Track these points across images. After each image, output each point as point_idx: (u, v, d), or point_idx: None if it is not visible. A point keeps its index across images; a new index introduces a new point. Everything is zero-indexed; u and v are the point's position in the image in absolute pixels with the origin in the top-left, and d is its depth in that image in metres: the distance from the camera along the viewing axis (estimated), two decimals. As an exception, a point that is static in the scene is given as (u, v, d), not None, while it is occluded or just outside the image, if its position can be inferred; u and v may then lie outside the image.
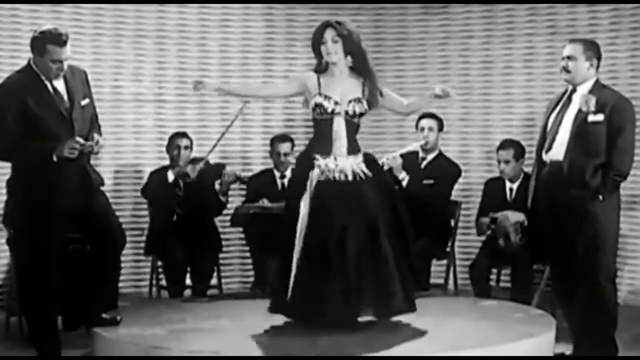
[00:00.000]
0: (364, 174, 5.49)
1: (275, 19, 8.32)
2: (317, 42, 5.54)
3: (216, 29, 8.20)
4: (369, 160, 5.60)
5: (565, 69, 5.51)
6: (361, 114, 5.52)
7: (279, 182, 7.42)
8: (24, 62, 7.50)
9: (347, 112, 5.47)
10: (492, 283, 7.13)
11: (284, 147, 7.42)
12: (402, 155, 7.12)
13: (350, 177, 5.45)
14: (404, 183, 7.06)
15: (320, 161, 5.45)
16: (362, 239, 5.35)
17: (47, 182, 5.40)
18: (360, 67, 5.54)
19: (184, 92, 8.12)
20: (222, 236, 7.51)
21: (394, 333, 5.39)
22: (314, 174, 5.44)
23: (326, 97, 5.46)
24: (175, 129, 7.73)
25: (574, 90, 5.52)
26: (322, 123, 5.49)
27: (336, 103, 5.46)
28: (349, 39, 5.50)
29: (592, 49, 5.50)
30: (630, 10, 7.60)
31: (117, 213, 7.68)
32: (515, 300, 6.46)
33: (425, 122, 7.30)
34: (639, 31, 7.62)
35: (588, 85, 5.48)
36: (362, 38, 7.90)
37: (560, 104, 5.58)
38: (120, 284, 6.76)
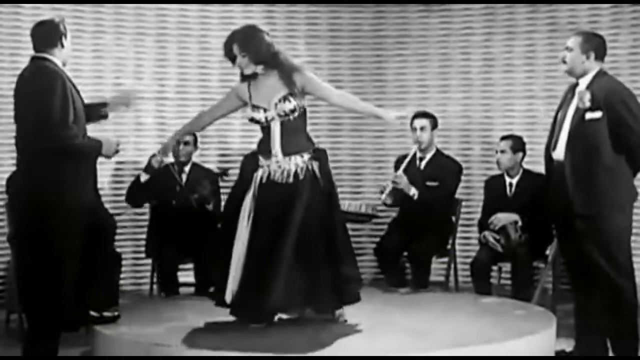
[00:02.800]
0: (307, 172, 5.50)
1: (275, 17, 8.31)
2: (231, 58, 5.62)
3: (217, 26, 8.19)
4: (320, 155, 5.61)
5: (563, 60, 5.46)
6: (292, 111, 5.51)
7: None
8: (24, 61, 7.58)
9: (279, 115, 5.51)
10: (493, 280, 7.12)
11: None
12: (405, 170, 7.07)
13: (291, 178, 5.48)
14: (415, 198, 7.06)
15: (263, 162, 5.54)
16: (292, 239, 5.38)
17: (80, 179, 5.27)
18: (274, 66, 5.55)
19: (184, 89, 8.13)
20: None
21: (394, 330, 5.39)
22: (258, 175, 5.54)
23: (255, 108, 5.54)
24: (176, 126, 7.71)
25: (577, 84, 5.46)
26: (262, 128, 5.59)
27: (265, 110, 5.51)
28: (252, 52, 5.52)
29: (591, 42, 5.41)
30: (631, 7, 7.59)
31: (117, 210, 7.75)
32: (516, 297, 6.47)
33: (417, 122, 7.26)
34: (639, 29, 7.61)
35: (588, 78, 5.39)
36: (362, 36, 7.95)
37: (567, 99, 5.51)
38: (121, 282, 6.79)
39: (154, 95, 8.06)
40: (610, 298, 5.34)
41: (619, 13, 7.68)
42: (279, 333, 5.38)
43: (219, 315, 5.80)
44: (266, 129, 5.56)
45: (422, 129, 7.25)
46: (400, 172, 7.05)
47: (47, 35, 5.36)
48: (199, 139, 7.41)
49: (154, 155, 7.05)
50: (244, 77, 5.61)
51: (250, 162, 5.64)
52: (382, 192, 7.00)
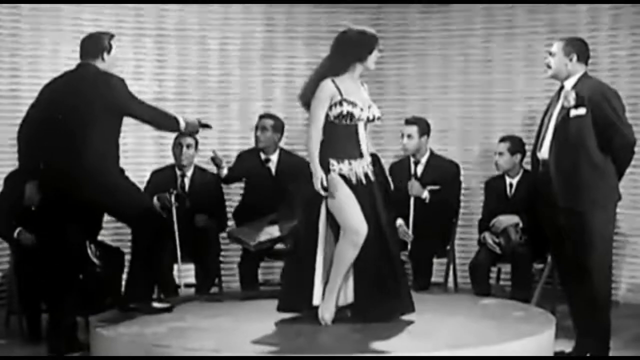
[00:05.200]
0: (372, 174, 5.54)
1: (275, 17, 8.32)
2: (371, 49, 5.52)
3: (216, 27, 8.20)
4: (375, 160, 5.63)
5: (548, 65, 5.58)
6: (378, 118, 5.58)
7: (266, 165, 7.29)
8: (24, 62, 7.59)
9: (368, 118, 5.50)
10: (492, 281, 7.13)
11: (264, 122, 7.28)
12: (408, 177, 7.14)
13: (364, 180, 5.47)
14: (427, 201, 7.09)
15: (335, 166, 5.44)
16: (377, 242, 5.47)
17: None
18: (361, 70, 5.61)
19: (183, 90, 8.13)
20: (222, 235, 7.47)
21: (394, 331, 5.39)
22: (333, 177, 5.43)
23: (351, 104, 5.44)
24: (166, 131, 7.67)
25: (562, 87, 5.56)
26: (344, 128, 5.46)
27: (361, 109, 5.47)
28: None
29: (572, 45, 5.54)
30: (631, 8, 7.59)
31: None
32: (515, 299, 6.46)
33: (404, 129, 7.26)
34: (639, 29, 7.61)
35: (573, 80, 5.50)
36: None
37: (553, 102, 5.62)
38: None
39: (153, 96, 8.05)
40: (585, 293, 5.42)
41: (619, 14, 7.68)
42: (279, 333, 5.38)
43: (218, 316, 5.81)
44: (351, 129, 5.47)
45: (409, 136, 7.24)
46: (412, 181, 7.11)
47: (90, 48, 5.77)
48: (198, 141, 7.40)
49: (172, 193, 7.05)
50: (323, 75, 5.48)
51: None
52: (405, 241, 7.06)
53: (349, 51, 5.49)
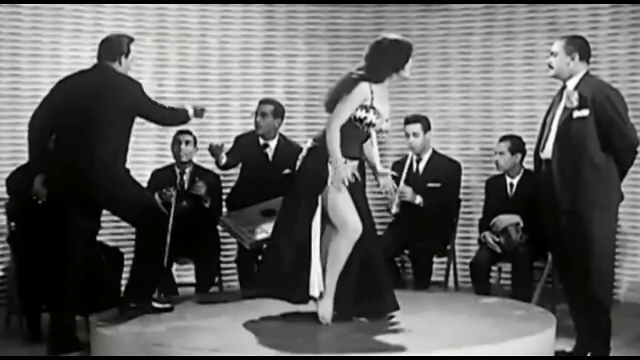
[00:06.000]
0: (359, 176, 5.57)
1: (275, 16, 8.31)
2: (408, 58, 5.53)
3: (216, 26, 8.20)
4: (360, 162, 5.64)
5: (550, 65, 5.56)
6: (387, 132, 5.62)
7: (263, 151, 7.24)
8: (24, 61, 7.58)
9: (381, 130, 5.52)
10: (493, 280, 7.13)
11: (264, 108, 7.19)
12: (405, 179, 7.09)
13: (352, 179, 5.48)
14: (422, 205, 7.08)
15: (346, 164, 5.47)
16: (362, 241, 5.48)
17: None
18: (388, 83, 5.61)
19: (184, 89, 8.12)
20: (222, 234, 7.47)
21: (394, 330, 5.40)
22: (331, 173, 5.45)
23: (377, 114, 5.44)
24: (176, 126, 7.70)
25: (565, 87, 5.54)
26: (357, 131, 5.47)
27: (382, 121, 5.48)
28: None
29: (573, 44, 5.51)
30: (631, 7, 7.59)
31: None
32: (516, 298, 6.47)
33: (408, 128, 7.24)
34: (638, 28, 7.60)
35: (575, 80, 5.48)
36: (362, 36, 7.94)
37: (555, 102, 5.60)
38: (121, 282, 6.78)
39: (153, 95, 8.00)
40: (586, 293, 5.41)
41: (619, 13, 7.67)
42: (279, 333, 5.38)
43: (218, 315, 5.81)
44: (364, 134, 5.50)
45: (414, 134, 7.23)
46: (402, 184, 7.05)
47: (108, 50, 5.83)
48: (198, 139, 7.39)
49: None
50: (362, 78, 5.45)
51: (319, 160, 5.44)
52: (390, 209, 6.99)
53: (385, 62, 5.47)
